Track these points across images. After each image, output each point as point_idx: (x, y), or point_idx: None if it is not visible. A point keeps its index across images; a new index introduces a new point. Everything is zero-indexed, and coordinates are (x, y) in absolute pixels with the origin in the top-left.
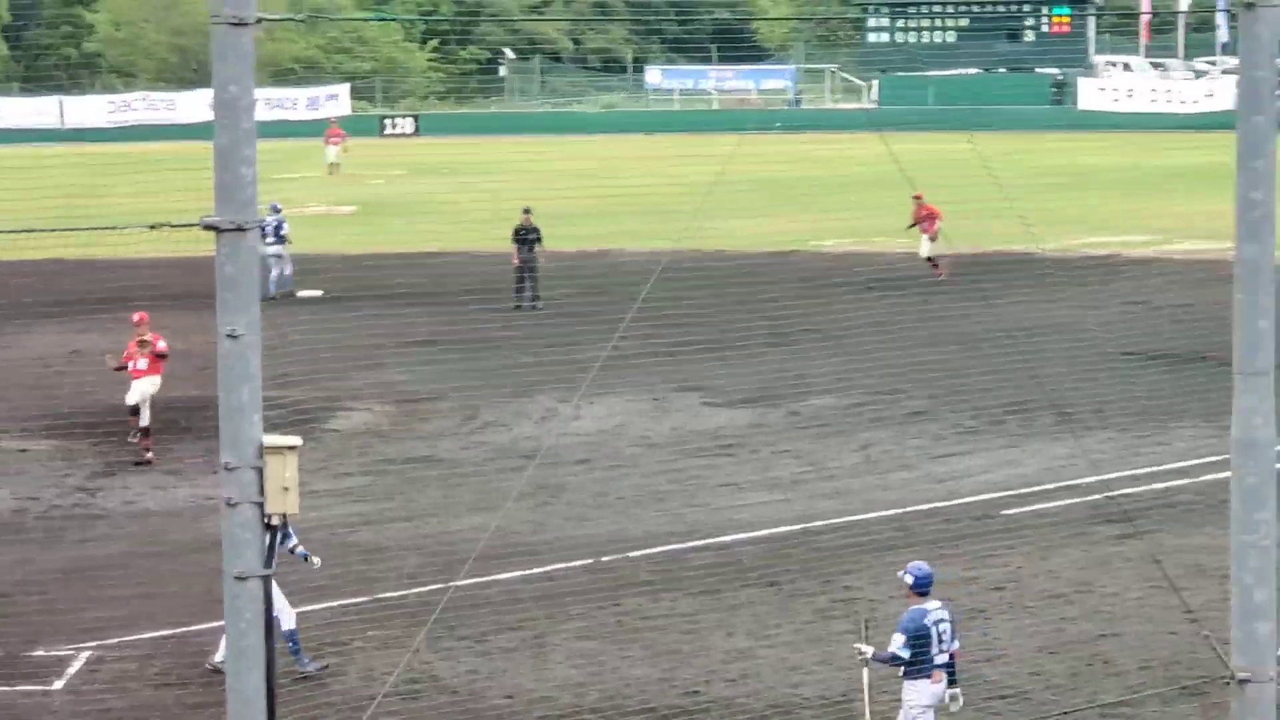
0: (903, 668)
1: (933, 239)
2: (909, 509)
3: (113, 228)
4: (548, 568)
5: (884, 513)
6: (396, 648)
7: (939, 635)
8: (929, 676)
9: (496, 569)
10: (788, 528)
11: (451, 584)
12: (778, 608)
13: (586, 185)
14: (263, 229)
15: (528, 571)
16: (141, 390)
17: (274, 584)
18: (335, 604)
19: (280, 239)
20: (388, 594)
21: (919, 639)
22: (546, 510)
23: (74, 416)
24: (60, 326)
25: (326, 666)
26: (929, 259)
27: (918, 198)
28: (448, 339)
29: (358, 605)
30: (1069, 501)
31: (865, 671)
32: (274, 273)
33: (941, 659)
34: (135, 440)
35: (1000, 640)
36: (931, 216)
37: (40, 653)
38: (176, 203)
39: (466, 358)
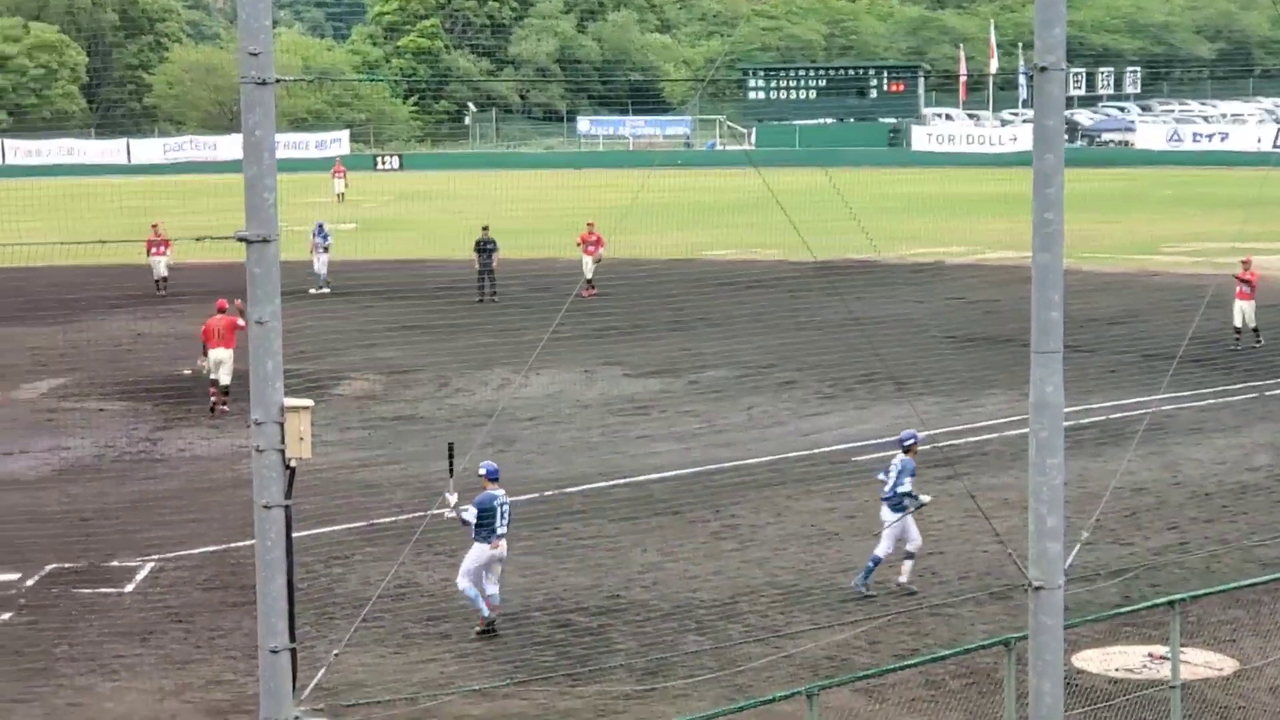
0: (473, 531)
1: (596, 261)
2: (782, 456)
3: (167, 240)
4: None
5: (762, 459)
6: (387, 560)
7: (501, 514)
8: (488, 542)
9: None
10: (689, 470)
11: (429, 512)
12: (681, 531)
13: (531, 208)
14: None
15: None
16: (218, 357)
17: (910, 520)
18: (340, 527)
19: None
20: (381, 519)
21: (485, 513)
22: (502, 456)
23: (140, 383)
24: (128, 315)
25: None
26: (589, 280)
27: (590, 225)
28: (426, 325)
29: (358, 528)
30: None
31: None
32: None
33: (501, 531)
34: (214, 401)
35: (851, 557)
36: (598, 243)
37: (115, 563)
38: (216, 220)
39: (440, 339)
